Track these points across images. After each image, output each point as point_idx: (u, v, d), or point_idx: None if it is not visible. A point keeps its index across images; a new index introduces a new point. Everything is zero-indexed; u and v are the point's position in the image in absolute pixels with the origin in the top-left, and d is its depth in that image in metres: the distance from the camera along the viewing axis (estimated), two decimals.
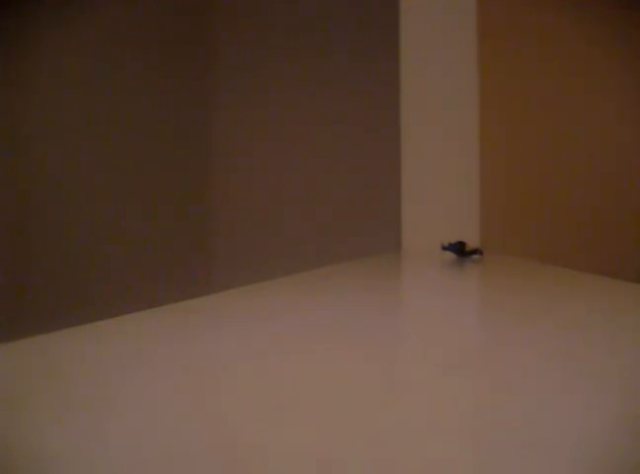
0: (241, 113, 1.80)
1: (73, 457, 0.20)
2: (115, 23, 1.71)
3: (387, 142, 1.62)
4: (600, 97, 1.22)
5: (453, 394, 0.27)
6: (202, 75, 1.81)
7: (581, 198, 1.23)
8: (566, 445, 0.21)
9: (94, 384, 0.29)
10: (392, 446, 0.21)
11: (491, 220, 1.24)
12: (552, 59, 1.24)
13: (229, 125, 1.81)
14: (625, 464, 0.20)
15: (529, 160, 1.24)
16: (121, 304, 1.65)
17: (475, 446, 0.21)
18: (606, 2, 1.21)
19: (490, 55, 1.26)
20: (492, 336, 0.42)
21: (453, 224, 1.22)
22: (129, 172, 1.74)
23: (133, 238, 1.74)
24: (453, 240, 1.20)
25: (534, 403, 0.26)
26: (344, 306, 0.56)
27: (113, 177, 1.73)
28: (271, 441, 0.22)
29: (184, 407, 0.26)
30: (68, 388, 0.28)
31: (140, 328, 0.44)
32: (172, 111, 1.78)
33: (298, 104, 1.77)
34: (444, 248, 1.05)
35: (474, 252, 1.03)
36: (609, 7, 1.20)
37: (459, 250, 1.03)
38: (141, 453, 0.21)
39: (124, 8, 1.71)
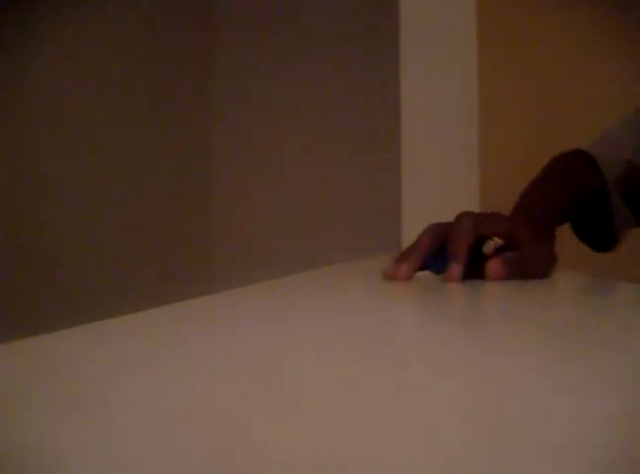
0: (241, 113, 1.80)
1: (73, 457, 0.20)
2: (114, 25, 1.71)
3: (387, 142, 1.62)
4: (601, 97, 1.22)
5: (453, 394, 0.27)
6: (203, 75, 1.81)
7: None
8: (565, 445, 0.21)
9: (94, 384, 0.29)
10: (392, 446, 0.21)
11: None
12: (553, 59, 1.24)
13: (230, 126, 1.81)
14: (625, 464, 0.20)
15: (529, 160, 1.24)
16: (122, 304, 1.65)
17: (475, 447, 0.21)
18: (607, 2, 1.21)
19: (490, 54, 1.26)
20: (492, 336, 0.42)
21: None
22: (130, 172, 1.75)
23: (134, 238, 1.74)
24: None
25: (534, 403, 0.26)
26: (343, 307, 0.56)
27: (113, 177, 1.73)
28: (271, 441, 0.22)
29: (184, 407, 0.26)
30: (68, 388, 0.28)
31: (140, 328, 0.44)
32: (173, 111, 1.79)
33: (298, 104, 1.77)
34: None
35: None
36: (610, 7, 1.21)
37: None
38: (142, 453, 0.21)
39: (124, 10, 1.71)
